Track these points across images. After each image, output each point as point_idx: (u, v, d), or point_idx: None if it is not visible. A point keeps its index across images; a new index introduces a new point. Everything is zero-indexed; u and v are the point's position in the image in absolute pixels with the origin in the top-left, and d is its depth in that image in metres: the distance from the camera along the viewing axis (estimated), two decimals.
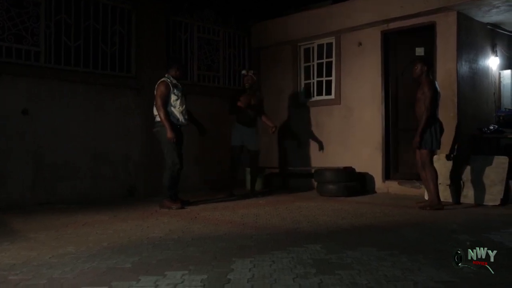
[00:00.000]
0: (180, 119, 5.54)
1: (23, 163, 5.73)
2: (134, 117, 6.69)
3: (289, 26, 8.11)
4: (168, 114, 5.42)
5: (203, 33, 7.91)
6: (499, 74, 7.26)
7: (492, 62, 7.09)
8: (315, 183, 6.98)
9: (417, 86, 5.53)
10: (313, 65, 8.06)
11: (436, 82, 5.59)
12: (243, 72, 6.86)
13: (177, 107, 5.50)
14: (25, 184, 5.74)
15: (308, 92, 8.15)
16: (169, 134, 5.33)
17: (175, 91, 5.48)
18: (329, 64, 7.83)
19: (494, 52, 7.11)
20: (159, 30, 7.16)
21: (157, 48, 7.07)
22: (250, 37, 8.59)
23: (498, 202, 5.50)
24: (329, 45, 7.81)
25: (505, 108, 7.12)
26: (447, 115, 6.33)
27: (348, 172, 6.77)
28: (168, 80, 5.51)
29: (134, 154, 6.69)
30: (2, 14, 5.66)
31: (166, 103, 5.42)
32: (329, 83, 7.82)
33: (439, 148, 5.62)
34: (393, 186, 6.82)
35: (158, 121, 5.47)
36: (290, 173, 7.99)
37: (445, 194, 5.93)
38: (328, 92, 7.81)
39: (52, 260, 3.01)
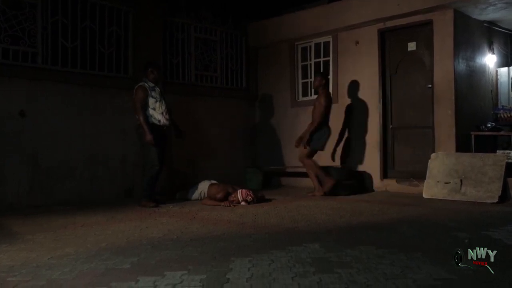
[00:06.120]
0: (162, 120, 5.75)
1: (20, 165, 5.71)
2: (130, 117, 6.66)
3: (286, 25, 8.11)
4: (148, 117, 5.63)
5: (200, 33, 7.90)
6: (496, 71, 7.27)
7: (489, 60, 7.11)
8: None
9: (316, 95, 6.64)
10: (311, 64, 8.07)
11: (330, 94, 6.79)
12: None
13: (157, 109, 5.71)
14: (22, 186, 5.72)
15: (305, 91, 8.15)
16: (147, 137, 5.56)
17: (152, 94, 5.69)
18: (326, 63, 7.83)
19: (491, 49, 7.13)
20: (156, 31, 7.15)
21: (154, 49, 7.06)
22: (247, 37, 8.59)
23: (496, 200, 5.51)
24: (326, 44, 7.81)
25: (502, 106, 7.14)
26: (445, 113, 6.35)
27: (346, 171, 6.77)
28: (145, 84, 5.72)
29: (131, 155, 6.67)
30: None
31: (144, 106, 5.63)
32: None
33: (322, 149, 6.71)
34: (391, 185, 6.83)
35: (139, 125, 5.67)
36: (288, 172, 7.99)
37: (443, 192, 5.94)
38: None
39: (51, 262, 3.00)
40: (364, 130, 7.17)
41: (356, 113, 7.30)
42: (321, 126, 6.48)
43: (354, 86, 7.34)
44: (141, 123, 5.59)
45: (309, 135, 6.43)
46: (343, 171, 6.76)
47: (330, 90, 7.67)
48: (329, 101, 6.52)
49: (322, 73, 6.89)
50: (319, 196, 6.36)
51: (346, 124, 7.35)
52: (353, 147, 7.30)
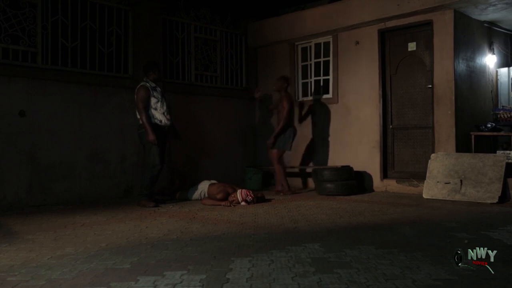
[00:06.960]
0: (163, 120, 5.76)
1: (19, 164, 5.70)
2: (129, 116, 6.66)
3: (286, 25, 8.10)
4: (150, 117, 5.63)
5: (200, 33, 7.89)
6: (496, 72, 7.27)
7: (489, 60, 7.11)
8: (313, 182, 6.99)
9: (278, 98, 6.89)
10: (311, 64, 8.06)
11: (291, 96, 7.08)
12: None
13: (158, 109, 5.72)
14: (22, 185, 5.71)
15: (305, 91, 8.15)
16: (150, 137, 5.56)
17: (154, 94, 5.71)
18: (326, 63, 7.83)
19: (491, 50, 7.13)
20: (156, 30, 7.15)
21: (154, 48, 7.06)
22: (247, 36, 8.59)
23: (496, 200, 5.52)
24: (327, 44, 7.81)
25: (502, 106, 7.14)
26: (445, 113, 6.36)
27: (346, 171, 6.78)
28: (147, 84, 5.73)
29: (130, 154, 6.67)
30: None
31: (146, 106, 5.63)
32: (326, 82, 7.82)
33: (290, 150, 6.92)
34: (391, 185, 6.83)
35: (141, 124, 5.66)
36: (288, 172, 7.97)
37: (443, 192, 5.94)
38: (326, 91, 7.81)
39: (51, 261, 3.00)
40: (364, 130, 7.17)
41: (356, 113, 7.30)
42: (286, 128, 6.73)
43: (354, 86, 7.34)
44: (143, 123, 5.58)
45: (274, 138, 6.71)
46: (342, 171, 6.76)
47: (330, 90, 7.73)
48: (291, 104, 6.77)
49: (284, 77, 7.08)
50: (288, 195, 6.68)
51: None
52: (351, 148, 7.30)
